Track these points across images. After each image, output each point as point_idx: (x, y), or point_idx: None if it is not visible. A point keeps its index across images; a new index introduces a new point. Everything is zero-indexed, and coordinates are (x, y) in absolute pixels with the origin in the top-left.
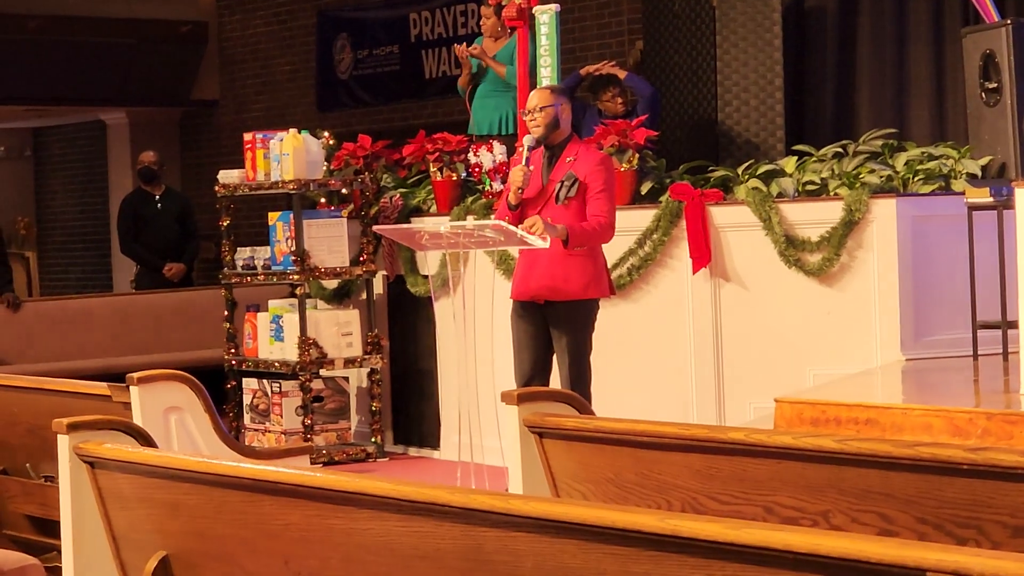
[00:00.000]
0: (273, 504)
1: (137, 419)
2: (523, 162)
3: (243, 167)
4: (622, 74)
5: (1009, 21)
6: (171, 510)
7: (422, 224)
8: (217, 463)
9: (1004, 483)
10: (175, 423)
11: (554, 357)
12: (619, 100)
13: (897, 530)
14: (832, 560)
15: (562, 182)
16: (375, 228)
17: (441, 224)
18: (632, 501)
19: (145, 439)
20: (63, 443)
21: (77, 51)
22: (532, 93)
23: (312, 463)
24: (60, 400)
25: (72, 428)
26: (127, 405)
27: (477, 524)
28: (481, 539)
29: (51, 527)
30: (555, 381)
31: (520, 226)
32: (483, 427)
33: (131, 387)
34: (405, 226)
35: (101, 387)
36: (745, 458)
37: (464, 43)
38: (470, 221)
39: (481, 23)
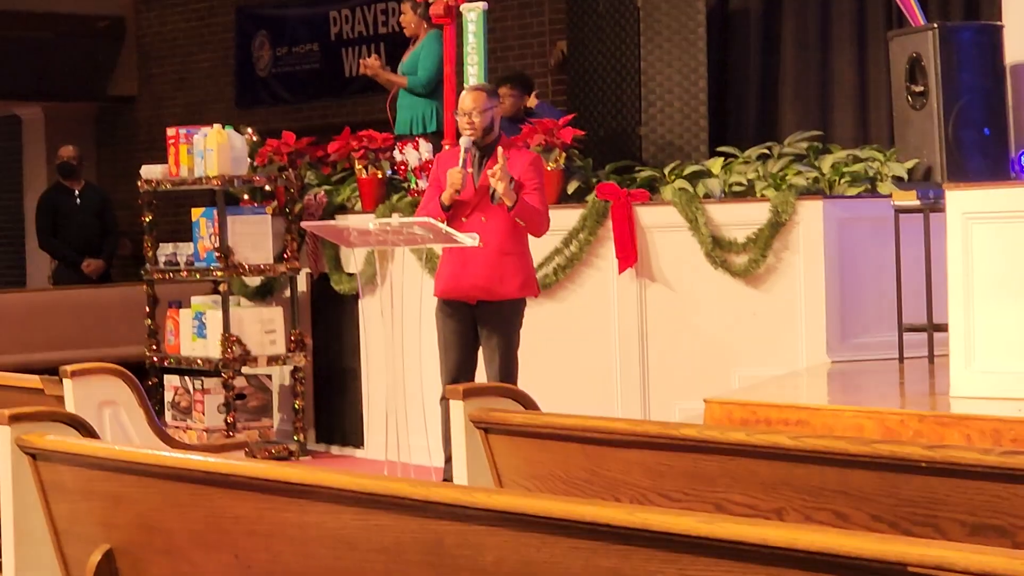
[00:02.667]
0: (223, 497)
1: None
2: (460, 163)
3: (161, 163)
4: (533, 103)
5: (935, 25)
6: (116, 503)
7: (347, 221)
8: (166, 455)
9: (962, 480)
10: (109, 417)
11: (479, 355)
12: (511, 98)
13: (851, 528)
14: (810, 555)
15: (508, 187)
16: (304, 224)
17: (370, 221)
18: (581, 497)
19: (88, 431)
20: (4, 434)
21: None
22: (464, 95)
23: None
24: None
25: (14, 419)
26: (60, 399)
27: (437, 517)
28: (442, 533)
29: None
30: (480, 379)
31: (490, 171)
32: (410, 426)
33: (65, 380)
34: (333, 223)
35: (33, 380)
36: (697, 455)
37: (375, 56)
38: (396, 219)
39: (401, 19)
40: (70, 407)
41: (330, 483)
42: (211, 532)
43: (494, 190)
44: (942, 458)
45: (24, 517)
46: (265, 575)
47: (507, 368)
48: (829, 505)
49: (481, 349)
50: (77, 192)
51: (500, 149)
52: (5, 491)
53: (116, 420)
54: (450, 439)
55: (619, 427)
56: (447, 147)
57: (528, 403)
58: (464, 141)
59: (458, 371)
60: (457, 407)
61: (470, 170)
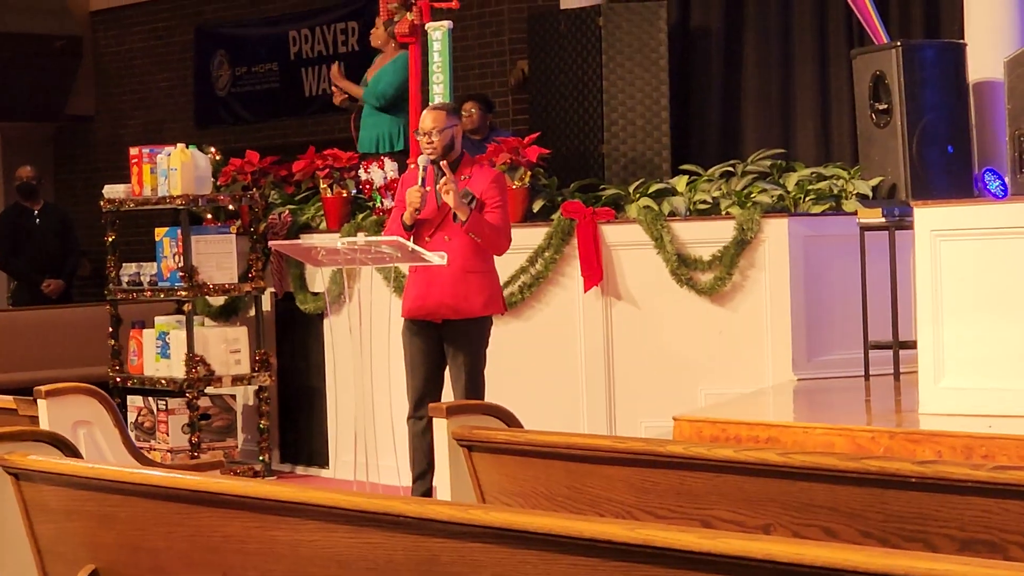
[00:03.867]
0: (211, 516)
1: None
2: (419, 182)
3: (120, 182)
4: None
5: (899, 43)
6: (101, 522)
7: (313, 241)
8: (153, 474)
9: (952, 496)
10: (84, 437)
11: (445, 374)
12: (474, 115)
13: (840, 544)
14: (815, 570)
15: (459, 200)
16: (271, 244)
17: (338, 240)
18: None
19: (71, 450)
20: None
21: None
22: (425, 114)
23: None
24: None
25: None
26: (34, 419)
27: (432, 535)
28: (437, 550)
29: None
30: (447, 399)
31: (438, 186)
32: (379, 445)
33: (39, 400)
34: (301, 242)
35: (7, 400)
36: (683, 471)
37: (337, 63)
38: (361, 238)
39: (371, 33)
40: (44, 427)
41: (322, 501)
42: (199, 551)
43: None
44: (932, 473)
45: (6, 538)
46: None
47: (473, 386)
48: (818, 521)
49: (448, 368)
50: (36, 212)
51: (444, 163)
52: None
53: (91, 440)
54: (417, 459)
55: (602, 444)
56: (412, 166)
57: (511, 421)
58: (422, 160)
59: (424, 390)
60: (440, 425)
61: (428, 188)
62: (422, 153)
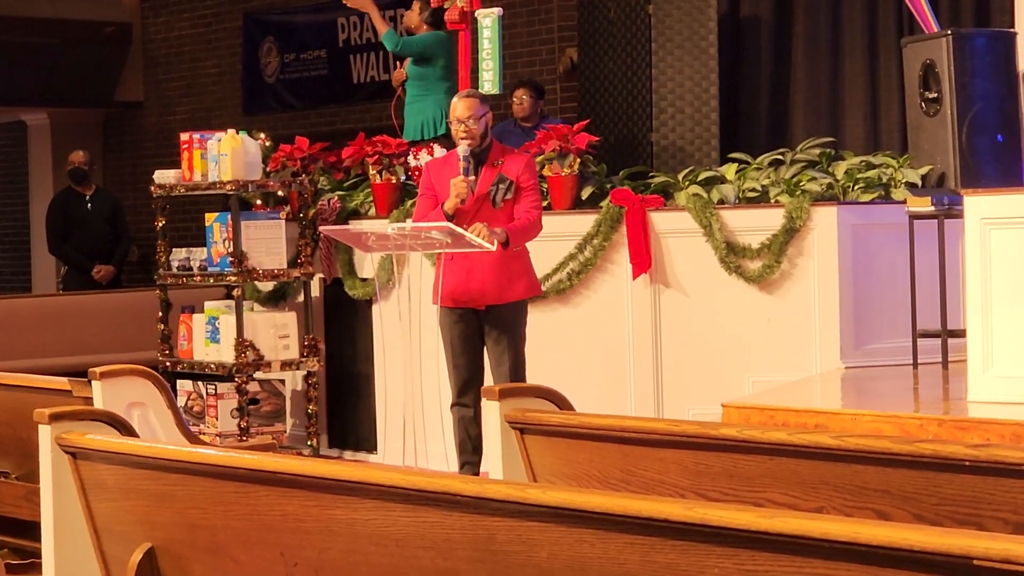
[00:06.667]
0: (269, 494)
1: None
2: (462, 172)
3: (168, 168)
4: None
5: (949, 31)
6: (158, 501)
7: (362, 226)
8: (211, 453)
9: (1005, 479)
10: (138, 418)
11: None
12: (526, 101)
13: (897, 523)
14: (871, 548)
15: (497, 186)
16: (322, 229)
17: (388, 226)
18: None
19: (128, 430)
20: (44, 434)
21: None
22: (456, 102)
23: None
24: (17, 395)
25: (54, 418)
26: (88, 400)
27: (489, 514)
28: (493, 529)
29: (3, 524)
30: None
31: (474, 231)
32: (427, 431)
33: (93, 382)
34: (351, 227)
35: (62, 382)
36: (736, 455)
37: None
38: (410, 223)
39: (407, 13)
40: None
41: (380, 480)
42: (256, 529)
43: (495, 195)
44: (986, 457)
45: (64, 516)
46: (311, 572)
47: (516, 368)
48: (871, 504)
49: (487, 352)
50: (88, 197)
51: (478, 226)
52: (45, 490)
53: (145, 421)
54: (465, 446)
55: (657, 427)
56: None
57: (563, 403)
58: (462, 150)
59: (468, 376)
60: (493, 407)
61: (472, 177)
62: (456, 141)
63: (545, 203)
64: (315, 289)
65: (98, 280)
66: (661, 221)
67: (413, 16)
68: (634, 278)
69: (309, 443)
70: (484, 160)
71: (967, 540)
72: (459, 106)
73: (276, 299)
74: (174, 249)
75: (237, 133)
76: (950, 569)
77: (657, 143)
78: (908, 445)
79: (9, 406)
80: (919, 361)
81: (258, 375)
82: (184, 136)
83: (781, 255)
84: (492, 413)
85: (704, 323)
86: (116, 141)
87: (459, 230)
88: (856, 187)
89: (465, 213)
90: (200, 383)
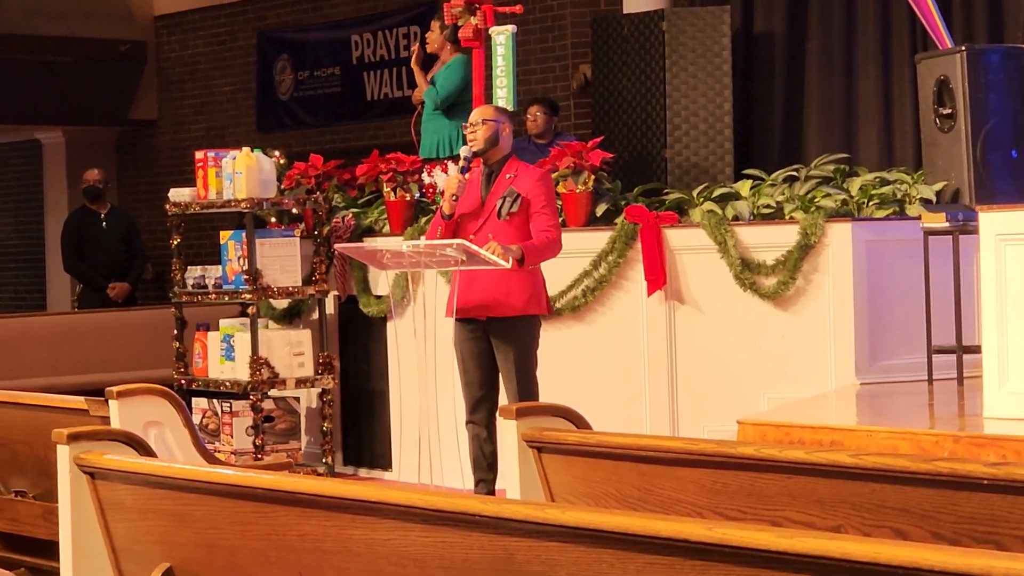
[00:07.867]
0: (288, 514)
1: None
2: (459, 171)
3: (183, 186)
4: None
5: (964, 47)
6: (176, 521)
7: (377, 244)
8: (229, 473)
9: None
10: (154, 437)
11: (499, 375)
12: (539, 118)
13: (917, 543)
14: (892, 569)
15: (504, 197)
16: (337, 246)
17: (402, 243)
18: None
19: (146, 450)
20: (63, 454)
21: (14, 69)
22: (474, 110)
23: None
24: (34, 415)
25: (72, 438)
26: (105, 419)
27: (508, 534)
28: (512, 549)
29: (21, 543)
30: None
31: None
32: (443, 448)
33: (110, 401)
34: (366, 245)
35: (78, 401)
36: (754, 473)
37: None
38: (424, 241)
39: (428, 35)
40: (116, 427)
41: (399, 500)
42: (274, 549)
43: (500, 207)
44: (1004, 475)
45: (82, 536)
46: None
47: (525, 385)
48: (889, 522)
49: (500, 369)
50: (103, 215)
51: (492, 245)
52: (64, 510)
53: (162, 440)
54: (480, 463)
55: (674, 445)
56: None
57: (580, 422)
58: (463, 150)
59: (480, 393)
60: (510, 426)
61: (466, 176)
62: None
63: (559, 220)
64: (330, 306)
65: (113, 298)
66: (676, 238)
67: (435, 38)
68: (649, 295)
69: (324, 461)
70: (498, 172)
71: (987, 560)
72: (474, 112)
73: (291, 316)
74: (189, 267)
75: (252, 151)
76: None
77: (671, 159)
78: (926, 463)
79: (26, 425)
80: (934, 377)
81: (273, 393)
82: (199, 154)
83: (796, 271)
84: (509, 432)
85: (719, 340)
86: (131, 159)
87: (474, 248)
88: (871, 203)
89: (473, 222)
90: (215, 401)
